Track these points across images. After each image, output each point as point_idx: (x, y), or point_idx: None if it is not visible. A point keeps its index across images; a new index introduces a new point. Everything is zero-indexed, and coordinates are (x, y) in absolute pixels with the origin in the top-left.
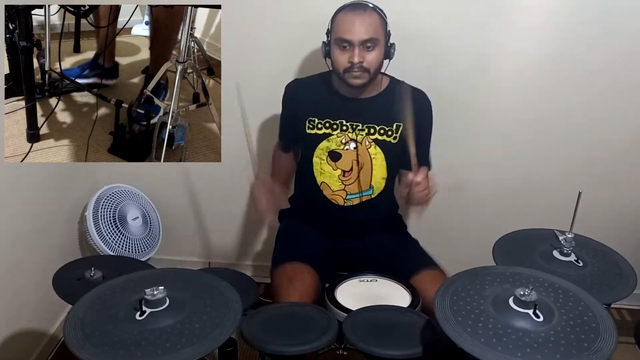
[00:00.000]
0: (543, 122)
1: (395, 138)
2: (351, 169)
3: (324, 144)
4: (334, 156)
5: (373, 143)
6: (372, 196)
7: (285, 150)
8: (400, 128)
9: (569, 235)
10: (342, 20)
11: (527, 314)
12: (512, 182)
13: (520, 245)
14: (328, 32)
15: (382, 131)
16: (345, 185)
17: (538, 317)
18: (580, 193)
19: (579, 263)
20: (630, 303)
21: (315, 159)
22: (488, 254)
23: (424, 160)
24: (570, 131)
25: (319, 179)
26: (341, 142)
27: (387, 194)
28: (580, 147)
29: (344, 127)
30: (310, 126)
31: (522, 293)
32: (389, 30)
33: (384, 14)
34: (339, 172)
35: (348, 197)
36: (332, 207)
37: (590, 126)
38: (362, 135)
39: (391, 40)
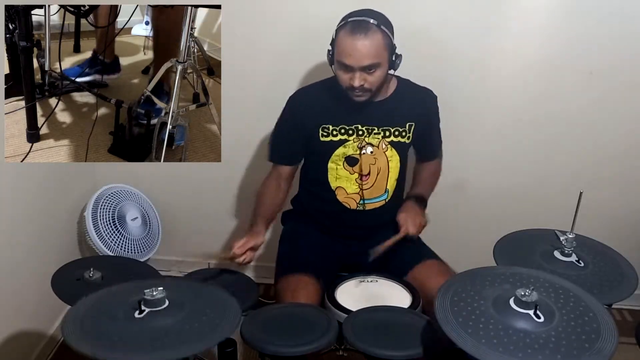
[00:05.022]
0: (543, 122)
1: (408, 138)
2: (369, 173)
3: (340, 150)
4: (351, 161)
5: (389, 146)
6: (386, 200)
7: (287, 164)
8: (413, 127)
9: (570, 236)
10: (343, 42)
11: (528, 314)
12: (512, 182)
13: (521, 246)
14: (333, 42)
15: (396, 132)
16: (362, 188)
17: (539, 317)
18: (581, 193)
19: (580, 263)
20: (631, 303)
21: (330, 164)
22: (489, 254)
23: (436, 152)
24: (570, 131)
25: (334, 184)
26: (357, 147)
27: (398, 195)
28: (581, 147)
29: (360, 132)
30: (325, 134)
31: (522, 294)
32: (395, 45)
33: (389, 28)
34: (356, 175)
35: (361, 202)
36: (343, 210)
37: (591, 126)
38: (378, 138)
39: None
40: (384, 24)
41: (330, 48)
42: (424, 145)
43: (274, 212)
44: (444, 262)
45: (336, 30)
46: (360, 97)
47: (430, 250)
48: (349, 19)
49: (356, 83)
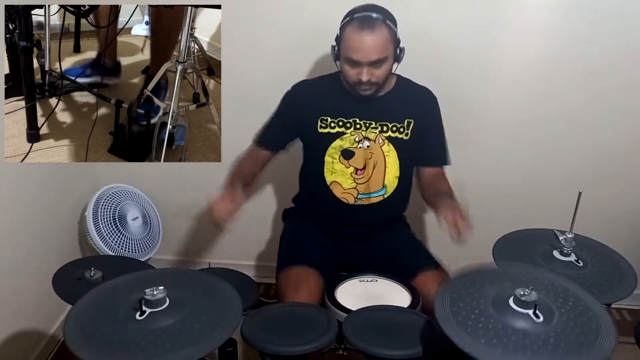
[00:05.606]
0: (543, 122)
1: (407, 135)
2: (364, 167)
3: (337, 142)
4: (347, 154)
5: (386, 141)
6: (385, 196)
7: (267, 149)
8: (412, 124)
9: (569, 235)
10: (349, 37)
11: (527, 314)
12: (512, 182)
13: (520, 245)
14: (337, 38)
15: (394, 128)
16: (358, 183)
17: (538, 317)
18: (580, 193)
19: (579, 263)
20: (630, 303)
21: (327, 158)
22: (488, 254)
23: (442, 157)
24: (570, 131)
25: (329, 179)
26: (355, 140)
27: (399, 193)
28: (580, 147)
29: (358, 126)
30: (323, 125)
31: (522, 293)
32: (399, 38)
33: (393, 22)
34: (351, 169)
35: (359, 196)
36: (341, 206)
37: (591, 126)
38: (376, 133)
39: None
40: (388, 18)
41: (334, 44)
42: (426, 149)
43: (250, 181)
44: (445, 271)
45: (341, 26)
46: (367, 91)
47: (432, 258)
48: (355, 15)
49: (364, 78)
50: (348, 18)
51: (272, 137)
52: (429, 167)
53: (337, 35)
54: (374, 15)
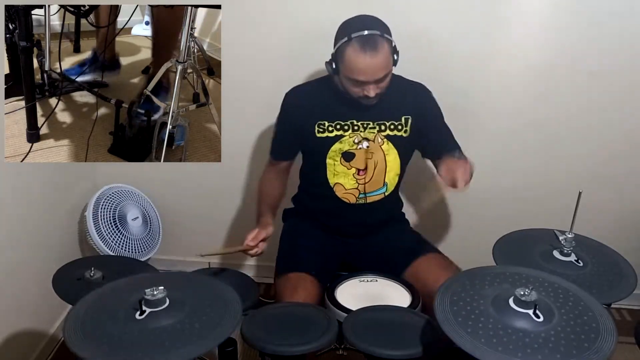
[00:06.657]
0: (543, 122)
1: (406, 132)
2: (366, 168)
3: (336, 146)
4: (348, 157)
5: (385, 139)
6: (386, 194)
7: (284, 160)
8: (409, 120)
9: (569, 235)
10: (353, 60)
11: (527, 314)
12: (512, 182)
13: (520, 245)
14: (334, 56)
15: (392, 126)
16: (359, 183)
17: (538, 317)
18: (580, 193)
19: (579, 263)
20: (630, 303)
21: (328, 161)
22: (488, 254)
23: (452, 145)
24: (570, 132)
25: (332, 181)
26: (354, 142)
27: (397, 191)
28: (580, 147)
29: (355, 127)
30: (320, 130)
31: (522, 293)
32: (395, 46)
33: (388, 32)
34: (353, 170)
35: (360, 195)
36: (343, 206)
37: (590, 127)
38: (374, 132)
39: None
40: (385, 30)
41: (330, 60)
42: (434, 140)
43: (278, 202)
44: (446, 256)
45: (339, 47)
46: (373, 102)
47: (432, 244)
48: (352, 35)
49: (372, 94)
50: (345, 38)
51: (284, 147)
52: (449, 157)
53: (333, 54)
54: (372, 32)
